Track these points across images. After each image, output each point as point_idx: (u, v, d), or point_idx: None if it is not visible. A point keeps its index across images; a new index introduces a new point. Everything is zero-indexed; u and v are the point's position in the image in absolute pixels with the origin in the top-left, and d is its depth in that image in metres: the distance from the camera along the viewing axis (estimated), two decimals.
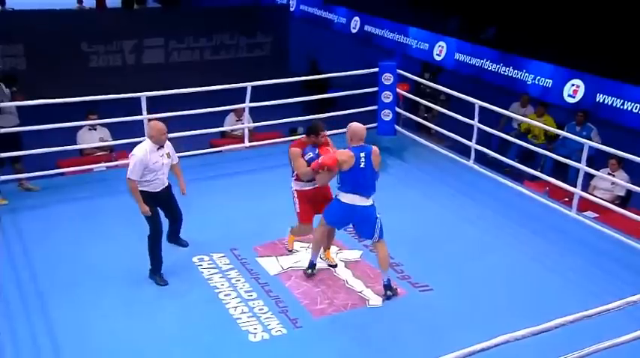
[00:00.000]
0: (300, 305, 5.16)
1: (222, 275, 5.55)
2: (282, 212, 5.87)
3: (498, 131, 8.09)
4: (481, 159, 8.04)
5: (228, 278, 5.51)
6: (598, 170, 7.23)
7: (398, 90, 8.72)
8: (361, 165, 5.05)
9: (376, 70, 8.64)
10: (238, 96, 8.10)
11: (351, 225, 5.50)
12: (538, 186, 7.52)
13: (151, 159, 5.18)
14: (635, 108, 9.52)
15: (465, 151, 8.08)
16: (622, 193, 7.56)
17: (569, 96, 10.47)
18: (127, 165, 5.25)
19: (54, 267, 5.61)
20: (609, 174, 7.41)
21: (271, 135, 8.60)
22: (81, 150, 8.18)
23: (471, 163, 7.88)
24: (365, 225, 5.19)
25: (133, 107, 7.46)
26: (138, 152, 5.17)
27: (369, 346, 4.73)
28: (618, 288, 5.16)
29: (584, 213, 6.78)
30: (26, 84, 7.46)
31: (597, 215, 6.83)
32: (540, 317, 3.63)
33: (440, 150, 8.37)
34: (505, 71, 11.80)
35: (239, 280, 5.48)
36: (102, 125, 8.13)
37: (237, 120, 8.74)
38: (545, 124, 8.49)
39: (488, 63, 12.17)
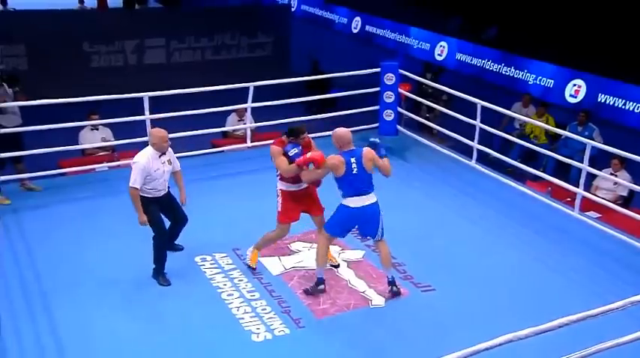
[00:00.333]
0: (302, 305, 5.16)
1: (225, 275, 5.55)
2: None
3: (500, 131, 8.10)
4: (483, 159, 8.04)
5: (230, 278, 5.51)
6: (600, 170, 7.23)
7: (400, 90, 8.73)
8: (354, 171, 5.00)
9: (378, 70, 8.65)
10: (240, 96, 8.11)
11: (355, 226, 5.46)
12: (540, 186, 7.51)
13: (153, 166, 5.17)
14: (637, 109, 9.51)
15: (466, 151, 8.08)
16: (624, 193, 7.56)
17: (571, 96, 10.46)
18: (129, 165, 5.25)
19: (57, 267, 5.61)
20: (612, 174, 7.41)
21: (273, 136, 8.53)
22: (83, 150, 8.18)
23: (473, 163, 7.88)
24: (371, 223, 5.15)
25: (135, 107, 7.47)
26: (140, 159, 5.16)
27: (371, 346, 4.73)
28: (621, 288, 5.16)
29: (587, 213, 6.78)
30: (28, 84, 7.47)
31: (600, 215, 6.83)
32: (543, 317, 3.63)
33: (442, 150, 8.37)
34: (506, 71, 11.79)
35: (242, 280, 5.48)
36: (104, 125, 8.13)
37: (238, 120, 8.74)
38: (545, 124, 8.48)
39: (489, 63, 12.16)
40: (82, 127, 8.02)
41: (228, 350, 4.66)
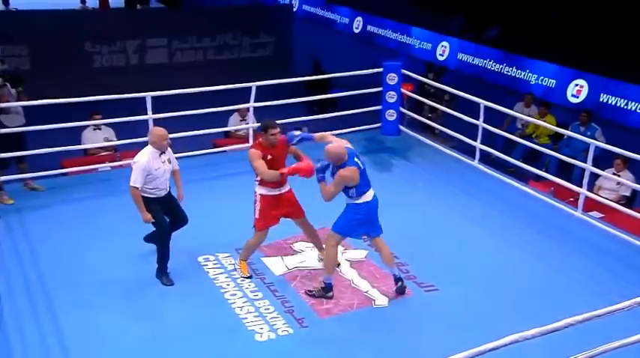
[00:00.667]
0: (306, 305, 5.16)
1: (228, 275, 5.54)
2: None
3: (503, 131, 8.09)
4: (486, 159, 8.03)
5: (233, 278, 5.51)
6: (602, 170, 7.23)
7: (402, 90, 8.73)
8: (362, 167, 5.02)
9: (380, 70, 8.65)
10: (242, 96, 8.10)
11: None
12: (543, 186, 7.51)
13: (153, 165, 5.18)
14: (639, 108, 9.52)
15: (469, 151, 8.07)
16: (627, 193, 7.55)
17: (573, 96, 10.48)
18: (131, 165, 5.25)
19: (60, 266, 5.61)
20: (614, 174, 7.41)
21: None
22: (85, 150, 8.18)
23: (475, 163, 7.87)
24: (376, 216, 5.14)
25: (137, 107, 7.47)
26: (141, 159, 5.16)
27: (375, 346, 4.72)
28: (624, 288, 5.16)
29: (590, 213, 6.78)
30: (30, 84, 7.46)
31: (603, 215, 6.82)
32: (546, 316, 3.64)
33: (444, 150, 8.37)
34: (508, 71, 11.81)
35: (245, 280, 5.47)
36: (106, 125, 8.13)
37: (241, 120, 8.74)
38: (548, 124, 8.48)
39: (491, 63, 12.18)
40: (85, 127, 8.02)
41: (232, 350, 4.66)
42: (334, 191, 4.96)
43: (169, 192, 5.46)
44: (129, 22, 13.42)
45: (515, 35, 11.73)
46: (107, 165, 7.77)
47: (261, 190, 5.37)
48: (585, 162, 6.66)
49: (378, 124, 8.83)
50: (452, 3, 13.52)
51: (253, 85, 7.96)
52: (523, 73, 11.40)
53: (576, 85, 10.31)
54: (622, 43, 9.95)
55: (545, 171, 7.71)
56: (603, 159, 7.67)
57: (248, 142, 8.28)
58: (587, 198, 6.72)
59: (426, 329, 4.92)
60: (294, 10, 17.26)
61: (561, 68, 10.71)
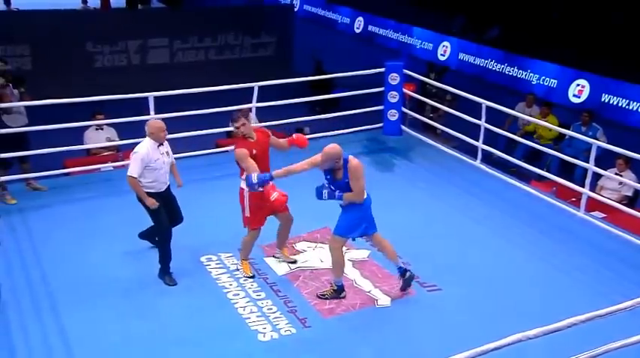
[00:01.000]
0: (308, 304, 5.17)
1: (231, 275, 5.55)
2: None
3: (505, 131, 8.10)
4: (488, 159, 8.04)
5: (236, 277, 5.52)
6: (604, 170, 7.23)
7: (404, 90, 8.73)
8: None
9: (382, 70, 8.65)
10: (243, 96, 8.11)
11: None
12: (545, 186, 7.52)
13: (152, 156, 5.21)
14: None
15: (471, 151, 8.08)
16: (629, 193, 7.56)
17: (575, 96, 10.45)
18: (131, 155, 5.26)
19: (63, 266, 5.62)
20: (616, 174, 7.41)
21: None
22: (87, 150, 8.19)
23: (477, 163, 7.88)
24: (372, 213, 5.14)
25: (138, 107, 7.48)
26: (140, 149, 5.21)
27: (377, 345, 4.73)
28: (626, 288, 5.17)
29: (592, 213, 6.78)
30: (32, 84, 7.47)
31: (605, 215, 6.83)
32: (549, 316, 3.64)
33: (446, 150, 8.37)
34: (510, 71, 11.78)
35: (247, 280, 5.48)
36: (109, 125, 8.15)
37: None
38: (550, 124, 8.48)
39: (492, 63, 12.15)
40: (87, 127, 8.03)
41: (235, 350, 4.67)
42: (362, 183, 4.91)
43: (169, 188, 5.47)
44: (130, 22, 13.44)
45: (516, 35, 11.71)
46: (109, 165, 7.78)
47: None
48: (587, 162, 6.67)
49: (380, 124, 8.84)
50: (453, 3, 13.50)
51: (256, 85, 7.97)
52: (524, 73, 11.37)
53: (578, 85, 10.28)
54: (623, 42, 9.93)
55: (547, 171, 7.71)
56: (605, 159, 7.67)
57: None
58: (589, 198, 6.72)
59: (429, 328, 4.92)
60: (295, 10, 17.24)
61: (562, 68, 10.69)
